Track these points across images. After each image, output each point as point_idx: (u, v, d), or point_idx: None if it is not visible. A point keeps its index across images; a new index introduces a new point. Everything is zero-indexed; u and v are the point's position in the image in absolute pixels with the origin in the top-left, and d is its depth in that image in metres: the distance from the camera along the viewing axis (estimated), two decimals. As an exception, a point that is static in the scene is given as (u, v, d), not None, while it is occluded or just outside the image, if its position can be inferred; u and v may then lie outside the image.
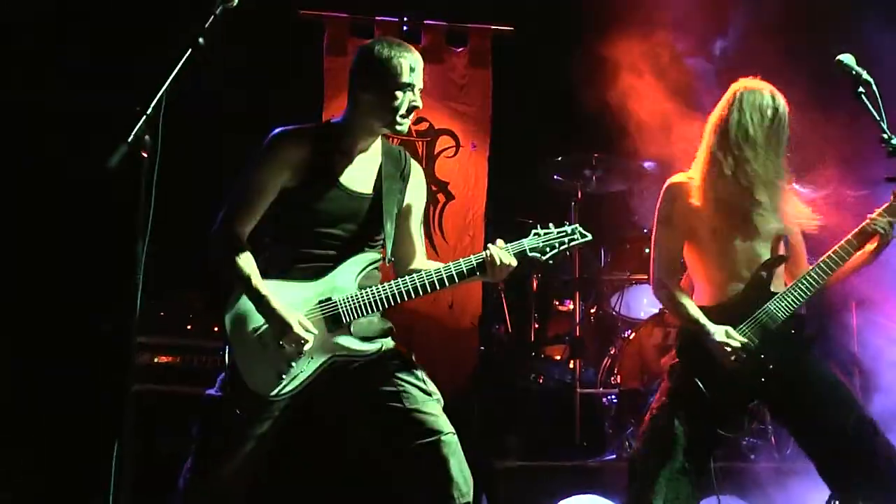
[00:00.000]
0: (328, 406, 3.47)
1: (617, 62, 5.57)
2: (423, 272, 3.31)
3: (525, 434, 5.97)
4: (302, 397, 3.31)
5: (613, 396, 5.94)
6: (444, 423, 3.31)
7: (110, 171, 2.44)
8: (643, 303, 6.53)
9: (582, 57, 5.67)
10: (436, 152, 6.75)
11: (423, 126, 6.76)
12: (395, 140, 6.45)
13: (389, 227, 3.40)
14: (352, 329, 3.28)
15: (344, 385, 3.35)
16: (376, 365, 3.34)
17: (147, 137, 2.55)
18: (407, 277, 3.29)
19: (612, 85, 5.55)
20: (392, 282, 3.30)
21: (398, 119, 3.33)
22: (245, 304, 3.23)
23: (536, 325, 6.83)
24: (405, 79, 3.29)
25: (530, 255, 3.34)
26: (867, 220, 3.61)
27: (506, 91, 6.97)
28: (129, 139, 2.51)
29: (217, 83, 5.48)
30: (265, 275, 3.27)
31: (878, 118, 3.21)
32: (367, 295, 3.28)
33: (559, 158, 6.38)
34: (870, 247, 3.64)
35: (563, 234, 3.40)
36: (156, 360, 5.21)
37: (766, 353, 3.56)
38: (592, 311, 6.69)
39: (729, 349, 3.51)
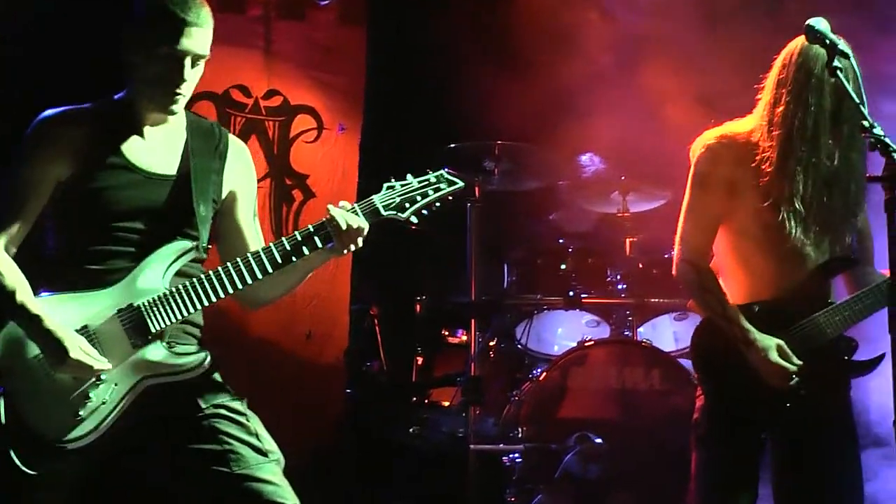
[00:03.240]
0: (136, 469, 3.44)
1: (535, 18, 5.55)
2: (249, 254, 3.34)
3: (403, 503, 6.03)
4: (104, 450, 3.26)
5: (517, 455, 5.92)
6: (285, 492, 3.32)
7: None
8: (558, 333, 6.61)
9: (489, 13, 5.63)
10: (291, 136, 6.60)
11: (275, 101, 6.56)
12: (238, 119, 6.36)
13: (204, 210, 3.43)
14: (165, 339, 3.30)
15: (153, 444, 3.36)
16: (194, 414, 3.35)
17: None
18: (230, 263, 3.32)
19: (530, 52, 5.51)
20: (211, 270, 3.33)
21: (162, 98, 3.36)
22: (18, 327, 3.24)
23: (420, 362, 6.92)
24: (176, 44, 3.28)
25: (385, 213, 3.39)
26: None
27: (385, 57, 6.96)
28: None
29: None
30: (51, 290, 3.29)
31: (857, 101, 3.14)
32: (180, 292, 3.30)
33: (451, 146, 6.38)
34: None
35: (426, 183, 3.45)
36: None
37: (801, 374, 3.59)
38: (492, 343, 6.70)
39: (782, 370, 3.56)
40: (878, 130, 3.05)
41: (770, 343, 3.57)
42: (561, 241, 6.65)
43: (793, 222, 3.63)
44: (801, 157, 3.60)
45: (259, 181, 6.27)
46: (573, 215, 6.81)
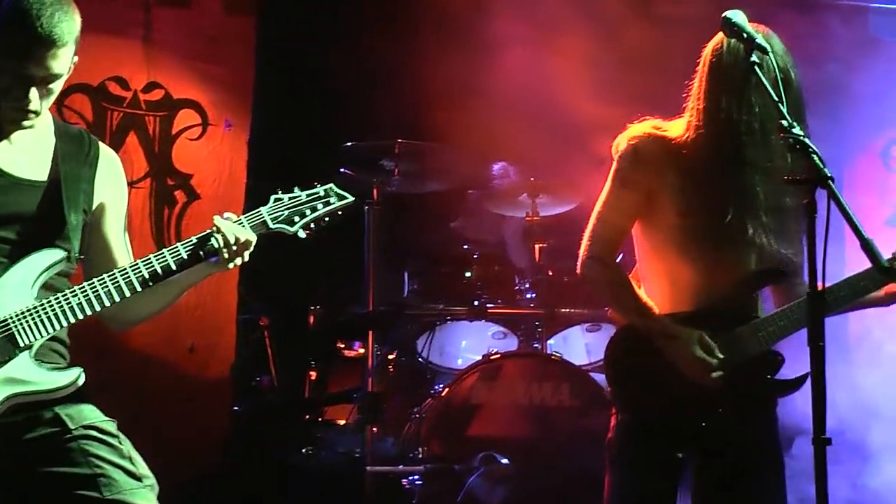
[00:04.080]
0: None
1: (441, 9, 5.58)
2: (128, 267, 3.33)
3: (295, 529, 6.03)
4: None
5: (417, 477, 5.90)
6: None
7: None
8: (462, 346, 6.64)
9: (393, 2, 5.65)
10: (174, 132, 6.56)
11: (156, 94, 6.52)
12: (115, 114, 6.22)
13: (75, 219, 3.38)
14: (32, 354, 3.25)
15: (17, 467, 3.29)
16: (60, 436, 3.29)
17: None
18: (106, 275, 3.30)
19: (434, 46, 5.70)
20: (87, 282, 3.30)
21: (13, 112, 3.31)
22: None
23: (314, 377, 6.91)
24: (22, 65, 3.22)
25: (273, 227, 3.42)
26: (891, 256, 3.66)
27: (277, 48, 6.94)
28: None
29: None
30: None
31: (775, 98, 3.14)
32: (52, 305, 3.26)
33: (348, 145, 6.40)
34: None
35: (314, 196, 3.50)
36: None
37: (725, 369, 3.57)
38: (391, 357, 6.70)
39: (705, 361, 3.53)
40: (797, 130, 3.05)
41: (692, 335, 3.56)
42: (466, 247, 6.68)
43: (755, 234, 3.62)
44: (754, 163, 3.59)
45: (138, 182, 6.25)
46: (479, 219, 6.85)
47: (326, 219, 3.50)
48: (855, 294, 3.63)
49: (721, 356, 3.55)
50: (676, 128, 3.70)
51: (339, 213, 3.52)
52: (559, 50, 6.21)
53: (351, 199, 3.53)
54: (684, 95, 3.73)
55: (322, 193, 3.49)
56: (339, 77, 6.89)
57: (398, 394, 6.57)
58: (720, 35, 3.62)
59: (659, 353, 3.59)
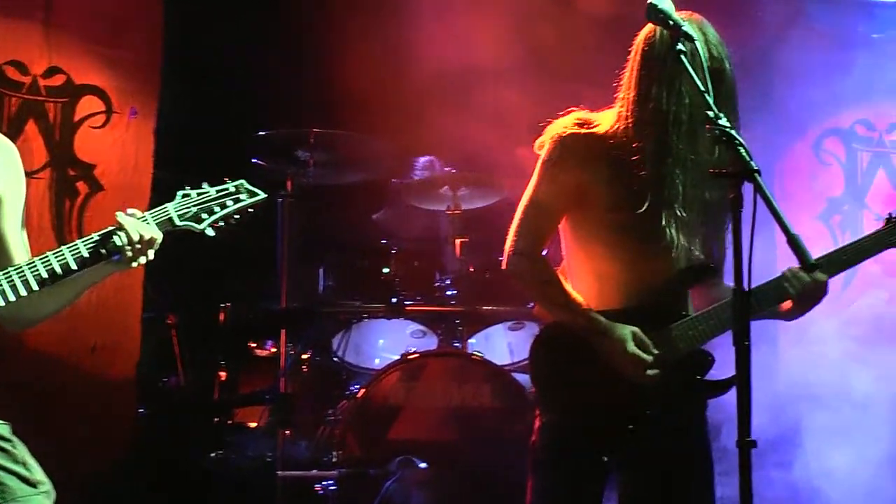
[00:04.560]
0: None
1: None
2: (24, 265, 3.31)
3: (204, 535, 6.07)
4: None
5: (331, 482, 5.90)
6: None
7: None
8: (379, 345, 6.64)
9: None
10: (76, 120, 6.42)
11: (57, 80, 6.37)
12: (13, 100, 6.11)
13: None
14: None
15: None
16: None
17: None
18: (1, 273, 3.29)
19: (351, 29, 5.78)
20: None
21: None
22: None
23: (224, 377, 6.82)
24: None
25: (180, 224, 3.43)
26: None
27: (186, 32, 6.82)
28: None
29: None
30: None
31: (702, 88, 3.16)
32: None
33: (260, 133, 6.40)
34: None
35: (224, 192, 3.51)
36: None
37: (659, 366, 3.58)
38: (305, 357, 6.69)
39: (641, 358, 3.54)
40: (723, 122, 3.06)
41: (625, 331, 3.57)
42: (384, 241, 6.68)
43: (673, 229, 3.63)
44: (678, 155, 3.60)
45: (38, 172, 6.18)
46: (398, 212, 6.88)
47: (236, 216, 3.51)
48: (780, 296, 3.65)
49: (656, 352, 3.56)
50: (606, 119, 3.71)
51: (251, 210, 3.52)
52: (482, 36, 6.23)
53: (262, 195, 3.54)
54: (615, 86, 3.74)
55: (232, 189, 3.51)
56: (252, 63, 6.86)
57: (312, 395, 6.53)
58: (651, 28, 3.63)
59: (587, 351, 3.60)
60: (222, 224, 3.49)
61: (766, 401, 5.27)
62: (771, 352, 5.93)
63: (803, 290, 3.55)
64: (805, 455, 5.72)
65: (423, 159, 6.61)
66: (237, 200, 3.50)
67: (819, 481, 5.61)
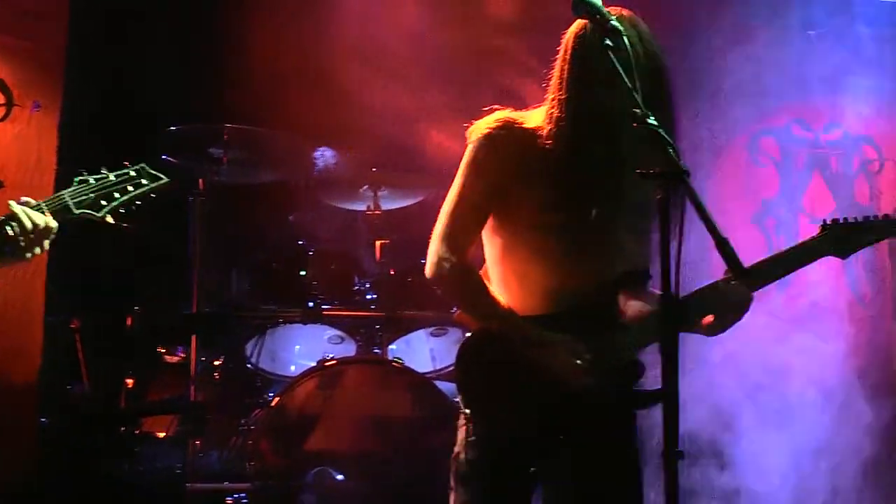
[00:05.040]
0: None
1: None
2: None
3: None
4: None
5: (244, 495, 5.91)
6: None
7: None
8: (295, 351, 6.66)
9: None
10: None
11: None
12: None
13: None
14: None
15: None
16: None
17: None
18: None
19: (268, 19, 5.89)
20: None
21: None
22: None
23: (131, 385, 6.76)
24: None
25: (77, 212, 3.42)
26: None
27: (93, 22, 6.80)
28: None
29: None
30: None
31: (629, 85, 3.17)
32: None
33: (171, 129, 6.39)
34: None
35: (124, 177, 3.51)
36: None
37: (596, 372, 3.57)
38: (218, 363, 6.69)
39: (578, 367, 3.52)
40: (652, 120, 3.07)
41: (558, 339, 3.57)
42: (300, 242, 6.66)
43: (605, 231, 3.65)
44: (609, 155, 3.61)
45: None
46: (316, 213, 6.88)
47: (138, 202, 3.49)
48: (707, 307, 3.63)
49: (591, 359, 3.55)
50: (533, 118, 3.71)
51: (153, 195, 3.49)
52: (397, 31, 6.27)
53: (165, 179, 3.54)
54: (544, 86, 3.74)
55: (132, 174, 3.49)
56: (164, 56, 6.80)
57: (224, 403, 6.53)
58: (581, 22, 3.64)
59: (516, 359, 3.58)
60: (124, 211, 3.46)
61: (700, 395, 5.36)
62: (707, 349, 6.00)
63: (730, 300, 3.57)
64: (739, 448, 5.79)
65: (318, 151, 6.62)
66: (138, 185, 3.48)
67: (753, 475, 5.68)
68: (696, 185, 2.94)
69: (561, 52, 3.69)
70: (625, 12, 3.58)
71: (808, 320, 6.04)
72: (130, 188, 3.48)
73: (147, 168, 3.53)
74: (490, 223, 3.73)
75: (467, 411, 3.69)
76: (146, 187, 3.51)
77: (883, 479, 5.47)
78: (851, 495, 5.63)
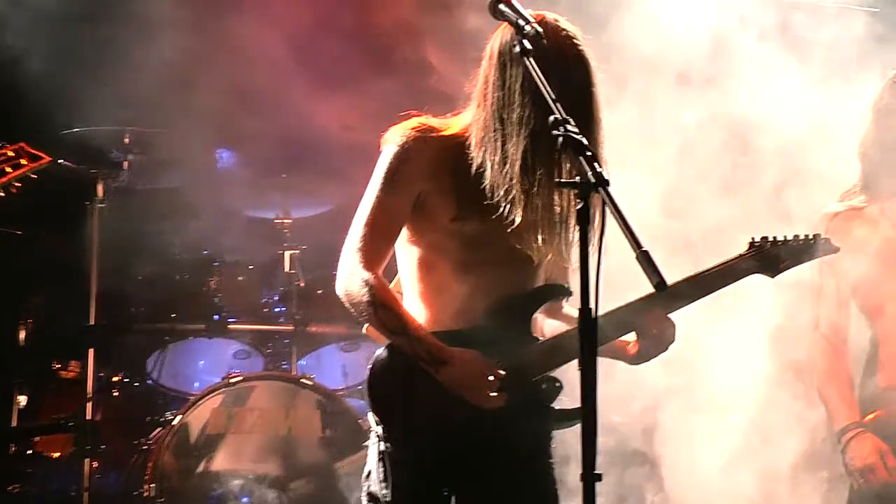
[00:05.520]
0: None
1: None
2: None
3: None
4: None
5: None
6: None
7: None
8: (199, 367, 6.66)
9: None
10: None
11: None
12: None
13: None
14: None
15: None
16: None
17: None
18: None
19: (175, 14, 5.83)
20: None
21: None
22: None
23: (23, 403, 6.71)
24: None
25: None
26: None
27: None
28: None
29: None
30: None
31: (545, 90, 3.16)
32: None
33: (67, 132, 6.34)
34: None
35: (2, 159, 3.57)
36: None
37: (509, 388, 3.54)
38: (116, 379, 6.62)
39: (487, 385, 3.50)
40: (571, 127, 3.05)
41: (467, 356, 3.54)
42: (205, 252, 6.66)
43: (525, 243, 3.62)
44: (529, 163, 3.57)
45: None
46: (222, 221, 6.78)
47: (17, 184, 3.49)
48: (628, 324, 3.64)
49: (503, 375, 3.53)
50: (452, 125, 3.70)
51: (34, 176, 3.51)
52: (301, 35, 6.25)
53: (46, 158, 3.54)
54: (467, 91, 3.73)
55: (11, 155, 3.48)
56: (60, 55, 6.69)
57: (123, 422, 6.45)
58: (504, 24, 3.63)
59: (430, 377, 3.56)
60: (2, 194, 3.42)
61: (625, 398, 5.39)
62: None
63: (653, 318, 3.58)
64: (668, 448, 5.83)
65: (219, 152, 6.65)
66: (17, 166, 3.46)
67: (683, 474, 5.71)
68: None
69: (485, 58, 3.70)
70: (548, 15, 3.58)
71: (732, 310, 6.10)
72: (8, 169, 3.46)
73: (26, 147, 3.51)
74: (404, 234, 3.70)
75: (379, 430, 3.67)
76: (24, 168, 3.50)
77: (814, 472, 5.51)
78: (783, 489, 5.68)
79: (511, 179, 3.57)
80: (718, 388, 5.62)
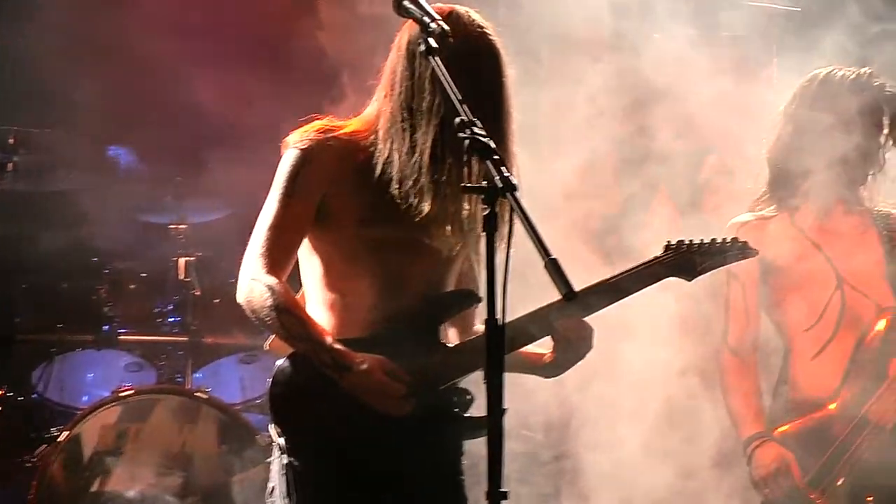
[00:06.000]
0: None
1: None
2: None
3: None
4: None
5: None
6: None
7: None
8: (87, 380, 6.63)
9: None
10: None
11: None
12: None
13: None
14: None
15: None
16: None
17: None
18: None
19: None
20: None
21: None
22: None
23: None
24: None
25: None
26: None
27: None
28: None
29: None
30: None
31: (450, 89, 3.17)
32: None
33: None
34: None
35: None
36: None
37: (417, 394, 3.54)
38: None
39: (393, 392, 3.49)
40: (478, 130, 3.05)
41: (372, 362, 3.53)
42: (94, 259, 6.63)
43: (434, 247, 3.65)
44: (437, 165, 3.59)
45: None
46: (112, 226, 6.71)
47: None
48: (537, 332, 3.65)
49: (409, 380, 3.53)
50: (354, 126, 3.71)
51: None
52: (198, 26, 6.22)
53: None
54: (370, 85, 3.74)
55: None
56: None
57: (6, 438, 6.41)
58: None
59: (336, 387, 3.55)
60: None
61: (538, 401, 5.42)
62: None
63: (569, 323, 3.60)
64: (589, 451, 5.88)
65: (112, 150, 6.61)
66: None
67: (603, 477, 5.77)
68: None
69: (393, 50, 3.70)
70: (459, 10, 3.59)
71: (639, 307, 6.15)
72: None
73: None
74: (308, 240, 3.70)
75: (282, 442, 3.65)
76: None
77: (734, 466, 5.57)
78: (702, 490, 5.75)
79: (420, 168, 3.57)
80: (633, 381, 5.69)
